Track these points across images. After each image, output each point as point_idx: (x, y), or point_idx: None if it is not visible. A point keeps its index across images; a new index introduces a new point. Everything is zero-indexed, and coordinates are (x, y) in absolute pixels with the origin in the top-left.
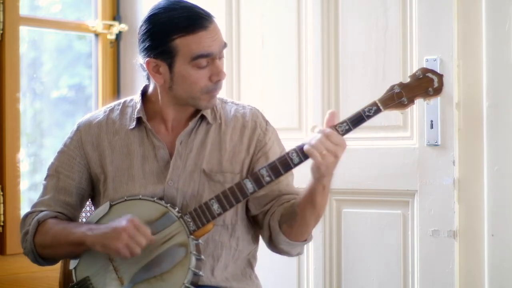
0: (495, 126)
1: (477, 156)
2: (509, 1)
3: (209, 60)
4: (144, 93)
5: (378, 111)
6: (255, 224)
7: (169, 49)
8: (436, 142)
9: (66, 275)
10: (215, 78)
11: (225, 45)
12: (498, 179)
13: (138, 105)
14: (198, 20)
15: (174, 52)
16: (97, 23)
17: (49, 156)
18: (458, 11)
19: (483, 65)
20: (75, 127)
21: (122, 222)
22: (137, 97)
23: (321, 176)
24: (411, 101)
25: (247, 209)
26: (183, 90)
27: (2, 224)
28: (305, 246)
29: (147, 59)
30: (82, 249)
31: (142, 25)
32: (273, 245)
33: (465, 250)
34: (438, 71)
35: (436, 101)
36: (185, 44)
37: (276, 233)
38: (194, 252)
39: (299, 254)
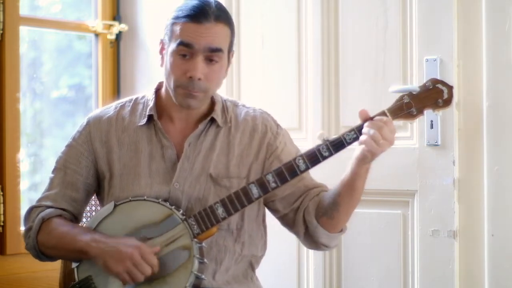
0: (495, 126)
1: (477, 156)
2: (509, 1)
3: (191, 53)
4: (157, 90)
5: None
6: (285, 224)
7: (168, 32)
8: (436, 142)
9: (66, 275)
10: (188, 74)
11: (216, 49)
12: (498, 179)
13: (151, 103)
14: (197, 14)
15: (170, 35)
16: (97, 23)
17: (49, 156)
18: (458, 11)
19: (483, 65)
20: (84, 121)
21: (128, 247)
22: (149, 94)
23: (371, 159)
24: (420, 112)
25: (275, 210)
26: (166, 79)
27: (2, 224)
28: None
29: (161, 38)
30: (84, 257)
31: None
32: (311, 240)
33: (465, 250)
34: (438, 72)
35: None
36: (176, 30)
37: (314, 227)
38: (197, 256)
39: (336, 246)
